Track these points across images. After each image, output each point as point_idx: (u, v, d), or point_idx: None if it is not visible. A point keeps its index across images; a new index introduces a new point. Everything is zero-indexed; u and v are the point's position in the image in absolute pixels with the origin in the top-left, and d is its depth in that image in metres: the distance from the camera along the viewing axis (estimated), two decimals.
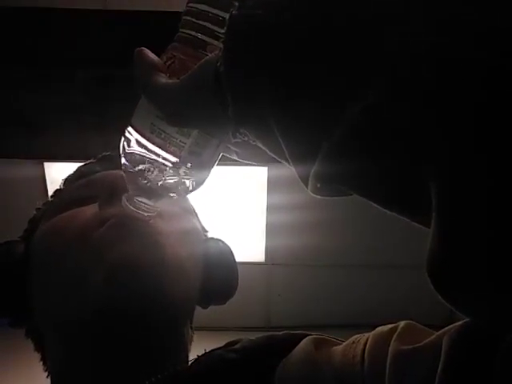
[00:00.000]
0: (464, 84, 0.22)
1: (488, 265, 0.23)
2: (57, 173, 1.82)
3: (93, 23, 1.27)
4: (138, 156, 0.41)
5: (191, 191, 0.44)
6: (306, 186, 0.30)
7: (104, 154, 0.61)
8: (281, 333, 0.51)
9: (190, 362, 0.51)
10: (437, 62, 0.23)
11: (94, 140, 1.30)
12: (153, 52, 0.39)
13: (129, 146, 0.42)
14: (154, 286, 0.48)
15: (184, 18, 0.39)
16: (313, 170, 0.28)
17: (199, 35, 0.37)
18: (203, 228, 0.62)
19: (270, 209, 1.95)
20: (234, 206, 1.96)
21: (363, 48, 0.25)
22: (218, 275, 0.57)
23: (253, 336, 0.52)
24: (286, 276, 2.11)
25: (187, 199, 0.60)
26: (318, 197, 0.31)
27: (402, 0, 0.25)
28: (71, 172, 0.62)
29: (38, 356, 0.58)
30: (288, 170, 0.35)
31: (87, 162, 0.62)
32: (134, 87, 0.38)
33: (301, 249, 2.01)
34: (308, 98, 0.28)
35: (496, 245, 0.22)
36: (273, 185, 1.89)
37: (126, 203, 0.46)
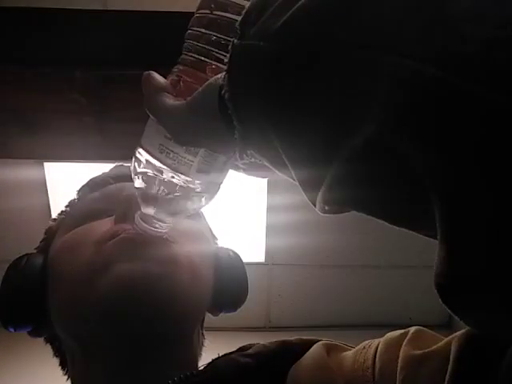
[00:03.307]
0: (463, 119, 0.22)
1: (490, 281, 0.23)
2: (57, 173, 1.82)
3: (93, 23, 1.27)
4: (148, 176, 0.43)
5: (201, 208, 0.46)
6: (315, 206, 0.31)
7: (116, 165, 0.63)
8: (293, 338, 0.52)
9: (203, 366, 0.52)
10: (436, 98, 0.23)
11: (93, 140, 1.29)
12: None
13: (139, 166, 0.43)
14: (161, 297, 0.49)
15: (187, 41, 0.40)
16: (319, 194, 0.29)
17: (202, 58, 0.38)
18: (213, 236, 0.63)
19: (270, 209, 1.95)
20: (234, 206, 1.96)
21: (362, 79, 0.25)
22: (230, 284, 0.59)
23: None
24: (286, 276, 2.10)
25: None
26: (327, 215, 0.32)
27: (401, 33, 0.25)
28: (84, 183, 0.65)
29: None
30: None
31: (100, 174, 0.64)
32: (143, 107, 0.39)
33: (301, 249, 2.01)
34: (311, 124, 0.28)
35: (497, 264, 0.23)
36: (273, 185, 1.89)
37: (140, 220, 0.48)
